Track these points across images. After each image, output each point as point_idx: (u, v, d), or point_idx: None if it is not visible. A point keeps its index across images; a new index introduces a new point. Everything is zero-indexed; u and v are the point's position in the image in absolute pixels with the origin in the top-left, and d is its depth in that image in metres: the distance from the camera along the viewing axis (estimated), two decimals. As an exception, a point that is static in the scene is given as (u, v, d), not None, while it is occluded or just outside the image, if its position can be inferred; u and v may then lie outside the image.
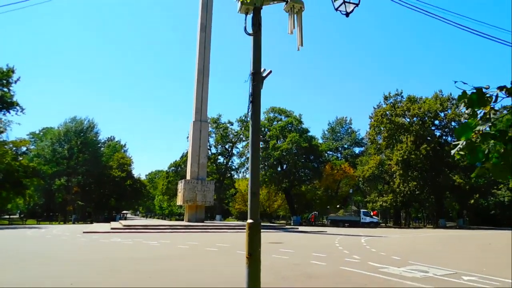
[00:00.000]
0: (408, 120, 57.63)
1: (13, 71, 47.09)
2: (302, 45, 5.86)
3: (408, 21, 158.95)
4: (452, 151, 2.68)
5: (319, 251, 15.64)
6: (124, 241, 20.01)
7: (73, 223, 59.31)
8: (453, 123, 55.70)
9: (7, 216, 79.24)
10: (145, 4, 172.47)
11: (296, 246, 18.47)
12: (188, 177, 37.83)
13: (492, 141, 2.55)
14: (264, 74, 5.61)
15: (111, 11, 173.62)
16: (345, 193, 62.88)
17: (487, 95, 2.62)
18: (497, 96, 2.58)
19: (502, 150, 2.56)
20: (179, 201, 38.63)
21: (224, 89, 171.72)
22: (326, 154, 69.12)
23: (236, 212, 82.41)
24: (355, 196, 71.34)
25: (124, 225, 31.29)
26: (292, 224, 58.93)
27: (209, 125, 69.02)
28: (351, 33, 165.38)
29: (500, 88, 2.57)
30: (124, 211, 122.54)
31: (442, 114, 56.99)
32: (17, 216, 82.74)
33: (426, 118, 56.41)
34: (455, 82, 2.73)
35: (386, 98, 59.23)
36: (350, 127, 76.92)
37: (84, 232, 26.85)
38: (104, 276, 9.57)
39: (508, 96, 2.61)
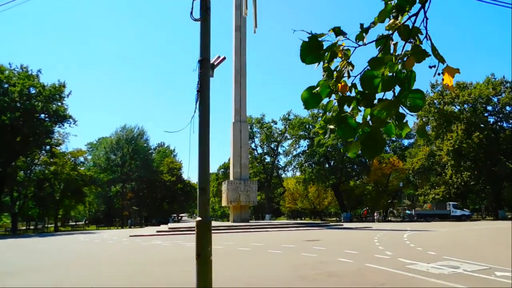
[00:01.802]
0: (458, 107, 54.38)
1: (64, 86, 50.30)
2: (256, 27, 5.62)
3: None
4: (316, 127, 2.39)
5: (352, 248, 15.21)
6: (162, 243, 20.68)
7: (130, 227, 62.18)
8: (507, 108, 51.90)
9: (74, 223, 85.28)
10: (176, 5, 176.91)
11: (331, 243, 18.09)
12: (231, 177, 38.38)
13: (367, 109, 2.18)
14: (214, 61, 5.32)
15: (151, 20, 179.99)
16: (395, 187, 60.54)
17: (343, 47, 2.26)
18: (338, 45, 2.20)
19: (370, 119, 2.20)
20: (224, 202, 39.24)
21: (265, 88, 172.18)
22: (374, 148, 66.96)
23: (286, 211, 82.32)
24: (406, 190, 68.54)
25: (170, 228, 32.32)
26: (342, 220, 57.84)
27: (253, 125, 69.81)
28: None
29: (333, 30, 2.20)
30: (182, 214, 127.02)
31: (496, 99, 53.01)
32: (82, 222, 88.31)
33: (477, 104, 52.83)
34: (294, 31, 2.33)
35: (433, 86, 56.13)
36: (397, 118, 74.10)
37: (130, 236, 28.11)
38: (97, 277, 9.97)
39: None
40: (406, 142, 72.35)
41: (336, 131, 2.37)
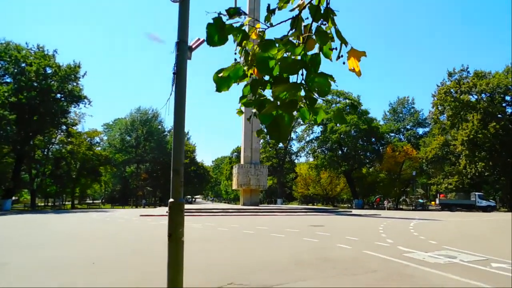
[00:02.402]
0: (476, 97, 53.03)
1: (79, 66, 50.85)
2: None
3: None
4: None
5: (355, 234, 15.29)
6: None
7: (143, 207, 63.39)
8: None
9: (91, 201, 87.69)
10: None
11: (335, 229, 18.19)
12: (242, 161, 38.68)
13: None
14: (192, 44, 5.17)
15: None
16: (408, 175, 59.94)
17: (239, 26, 2.15)
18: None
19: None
20: (234, 185, 39.63)
21: None
22: (387, 136, 66.26)
23: (299, 196, 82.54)
24: (420, 179, 67.83)
25: (180, 209, 32.83)
26: (354, 207, 57.81)
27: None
28: (410, 6, 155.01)
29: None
30: (196, 196, 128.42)
31: (514, 89, 51.29)
32: (98, 201, 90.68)
33: (495, 94, 51.42)
34: (207, 13, 2.23)
35: (450, 74, 54.90)
36: (413, 107, 72.98)
37: (141, 215, 28.75)
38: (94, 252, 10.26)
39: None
40: (420, 130, 71.46)
41: (257, 115, 2.29)
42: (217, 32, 2.06)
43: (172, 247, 4.72)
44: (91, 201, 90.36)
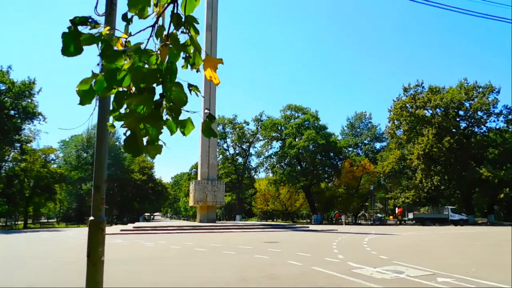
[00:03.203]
0: (430, 112, 54.99)
1: (34, 83, 49.81)
2: None
3: (426, 7, 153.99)
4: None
5: (307, 250, 14.99)
6: (122, 242, 20.11)
7: (99, 225, 60.86)
8: (479, 113, 52.73)
9: (46, 220, 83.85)
10: None
11: (289, 245, 17.84)
12: (198, 177, 37.91)
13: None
14: None
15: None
16: (366, 190, 61.07)
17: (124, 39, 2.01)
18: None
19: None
20: (191, 202, 38.72)
21: (236, 89, 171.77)
22: (345, 151, 67.45)
23: (258, 212, 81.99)
24: (378, 193, 69.33)
25: (134, 227, 31.53)
26: (312, 222, 57.96)
27: (226, 125, 69.38)
28: (367, 23, 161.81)
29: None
30: (155, 213, 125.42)
31: (468, 104, 53.28)
32: (54, 220, 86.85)
33: (449, 109, 53.16)
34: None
35: (405, 89, 56.78)
36: (370, 122, 74.83)
37: (91, 235, 27.22)
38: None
39: None
40: (378, 145, 73.31)
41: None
42: (73, 42, 1.88)
43: (91, 268, 4.34)
44: (45, 220, 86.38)
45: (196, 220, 41.23)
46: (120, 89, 1.98)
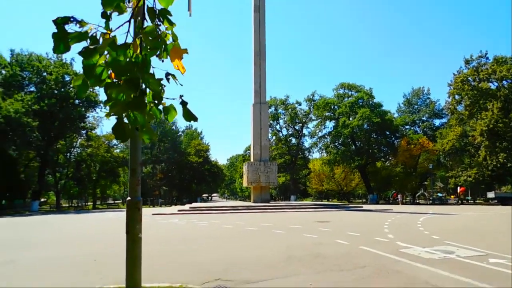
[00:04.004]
0: (496, 84, 51.05)
1: (96, 72, 52.59)
2: (190, 11, 5.38)
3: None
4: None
5: (357, 230, 14.97)
6: (178, 222, 21.34)
7: (160, 206, 64.73)
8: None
9: (112, 202, 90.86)
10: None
11: (339, 225, 17.89)
12: (251, 159, 38.68)
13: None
14: None
15: None
16: (425, 169, 58.60)
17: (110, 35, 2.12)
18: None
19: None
20: (244, 183, 39.62)
21: (287, 69, 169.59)
22: (402, 129, 64.87)
23: (313, 192, 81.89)
24: (438, 172, 66.27)
25: (190, 207, 33.05)
26: (368, 202, 57.04)
27: (278, 106, 69.43)
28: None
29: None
30: (213, 194, 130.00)
31: (539, 74, 48.66)
32: (120, 201, 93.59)
33: (517, 80, 49.14)
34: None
35: (467, 62, 52.91)
36: (429, 98, 70.92)
37: (153, 214, 29.11)
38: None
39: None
40: (437, 122, 69.65)
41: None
42: (61, 41, 2.05)
43: (130, 244, 4.78)
44: (112, 201, 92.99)
45: (250, 201, 42.23)
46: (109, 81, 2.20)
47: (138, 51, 2.15)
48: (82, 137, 60.02)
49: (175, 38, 2.26)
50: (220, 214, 27.17)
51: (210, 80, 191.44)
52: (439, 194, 60.15)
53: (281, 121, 71.46)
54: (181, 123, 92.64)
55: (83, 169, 63.81)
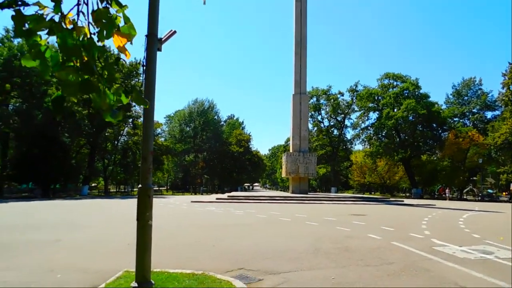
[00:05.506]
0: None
1: (139, 63, 54.09)
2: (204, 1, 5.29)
3: None
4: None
5: (392, 225, 14.58)
6: (214, 210, 21.79)
7: (201, 194, 66.35)
8: None
9: (157, 188, 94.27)
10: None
11: (374, 218, 17.48)
12: (290, 150, 38.56)
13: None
14: (163, 37, 5.11)
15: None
16: (474, 163, 55.54)
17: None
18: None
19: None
20: (283, 173, 39.62)
21: (330, 59, 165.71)
22: (450, 121, 61.71)
23: (355, 184, 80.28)
24: (489, 167, 62.63)
25: (228, 196, 33.57)
26: (412, 196, 55.17)
27: (320, 97, 68.40)
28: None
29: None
30: (255, 184, 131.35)
31: None
32: (164, 188, 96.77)
33: None
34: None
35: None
36: (480, 89, 66.65)
37: (191, 201, 29.88)
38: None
39: None
40: (489, 114, 65.51)
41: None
42: (20, 24, 2.04)
43: (140, 230, 4.89)
44: (156, 188, 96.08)
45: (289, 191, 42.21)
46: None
47: (89, 34, 2.16)
48: (128, 126, 62.31)
49: (126, 20, 2.26)
50: (257, 204, 27.43)
51: (255, 67, 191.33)
52: (489, 191, 57.03)
53: (322, 112, 70.42)
54: (223, 113, 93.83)
55: (129, 156, 66.47)
